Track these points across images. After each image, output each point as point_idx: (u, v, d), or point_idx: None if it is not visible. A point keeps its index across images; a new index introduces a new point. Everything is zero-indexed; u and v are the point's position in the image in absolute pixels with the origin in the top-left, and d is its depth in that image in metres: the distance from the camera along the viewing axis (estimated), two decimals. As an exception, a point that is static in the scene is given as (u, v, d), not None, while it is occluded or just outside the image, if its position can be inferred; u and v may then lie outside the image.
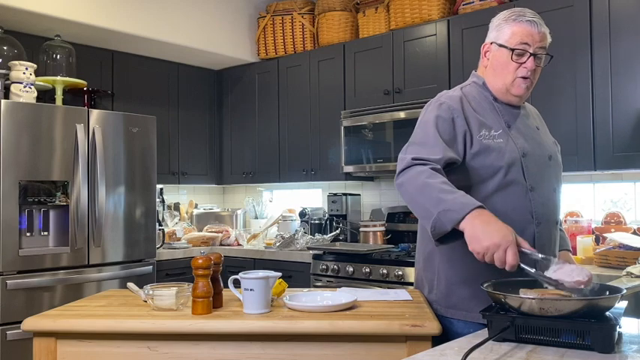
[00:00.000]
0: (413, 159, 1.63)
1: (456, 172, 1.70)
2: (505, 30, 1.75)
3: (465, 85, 1.86)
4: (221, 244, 4.19)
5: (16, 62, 3.19)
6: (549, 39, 1.77)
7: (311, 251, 3.55)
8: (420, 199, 1.57)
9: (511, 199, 1.69)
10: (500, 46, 1.75)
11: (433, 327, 1.56)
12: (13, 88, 3.15)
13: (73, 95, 3.59)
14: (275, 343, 1.63)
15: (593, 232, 2.96)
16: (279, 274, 1.77)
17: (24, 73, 3.17)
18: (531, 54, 1.71)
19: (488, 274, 1.52)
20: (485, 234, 1.42)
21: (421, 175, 1.58)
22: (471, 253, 1.47)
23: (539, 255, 1.45)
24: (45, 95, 3.43)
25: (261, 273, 1.72)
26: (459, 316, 1.71)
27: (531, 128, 1.81)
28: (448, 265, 1.74)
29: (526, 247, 1.44)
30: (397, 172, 1.68)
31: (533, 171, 1.72)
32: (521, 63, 1.72)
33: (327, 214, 4.06)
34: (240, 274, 1.72)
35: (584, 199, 3.24)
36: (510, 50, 1.72)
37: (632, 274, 2.30)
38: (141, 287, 1.94)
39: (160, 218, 4.01)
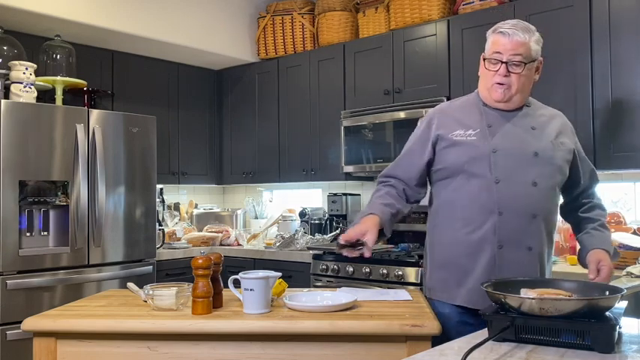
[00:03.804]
0: (379, 176, 2.07)
1: (435, 167, 1.97)
2: (488, 41, 1.95)
3: (469, 94, 2.08)
4: (221, 244, 4.19)
5: (16, 62, 3.18)
6: (533, 46, 1.89)
7: (311, 251, 3.55)
8: None
9: (473, 191, 1.88)
10: (483, 57, 1.96)
11: (433, 327, 1.56)
12: (13, 88, 3.15)
13: (73, 95, 3.59)
14: (275, 343, 1.63)
15: (593, 232, 2.95)
16: (279, 274, 1.77)
17: (24, 73, 3.17)
18: (503, 62, 1.87)
19: (465, 260, 1.86)
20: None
21: (372, 195, 2.05)
22: (448, 238, 1.92)
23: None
24: (45, 95, 3.43)
25: (261, 273, 1.72)
26: (437, 296, 1.93)
27: (521, 127, 1.93)
28: (430, 250, 2.01)
29: (367, 241, 1.84)
30: None
31: (504, 165, 1.86)
32: (496, 71, 1.89)
33: (327, 214, 4.06)
34: (240, 274, 1.72)
35: (584, 199, 3.23)
36: (485, 60, 1.93)
37: (632, 274, 2.30)
38: (141, 287, 1.94)
39: (160, 218, 4.01)
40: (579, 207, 2.04)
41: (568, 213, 2.07)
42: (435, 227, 1.99)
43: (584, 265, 1.93)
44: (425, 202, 2.09)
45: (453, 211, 1.91)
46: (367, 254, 1.84)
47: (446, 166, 1.93)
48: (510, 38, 1.87)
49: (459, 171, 1.90)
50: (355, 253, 1.85)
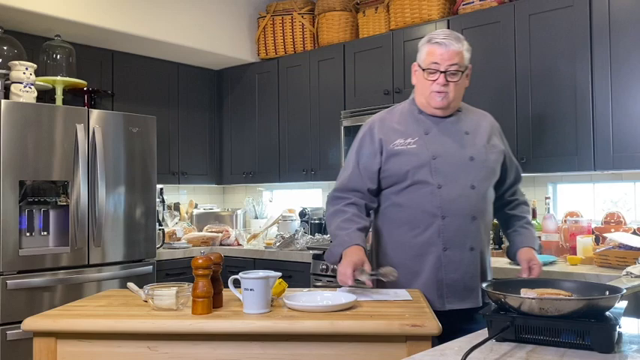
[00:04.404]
0: (334, 190, 2.11)
1: (380, 175, 2.04)
2: (422, 51, 2.03)
3: (403, 102, 2.17)
4: (221, 244, 4.19)
5: (16, 62, 3.19)
6: (466, 55, 2.01)
7: (311, 251, 3.55)
8: (329, 233, 2.10)
9: (417, 197, 1.98)
10: (419, 66, 2.04)
11: (433, 327, 1.56)
12: (13, 88, 3.15)
13: (73, 95, 3.59)
14: (275, 343, 1.63)
15: (593, 232, 2.96)
16: (279, 274, 1.77)
17: (24, 73, 3.17)
18: (442, 72, 1.96)
19: (412, 262, 1.99)
20: (344, 260, 1.94)
21: (333, 215, 2.07)
22: (395, 241, 2.03)
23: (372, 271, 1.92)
24: (45, 95, 3.43)
25: (261, 273, 1.72)
26: None
27: (456, 133, 2.04)
28: (377, 253, 2.12)
29: (367, 269, 1.90)
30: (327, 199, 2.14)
31: (444, 171, 1.97)
32: (434, 80, 1.98)
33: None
34: (240, 274, 1.72)
35: (584, 199, 3.24)
36: (423, 70, 2.01)
37: (632, 274, 2.29)
38: (141, 287, 1.94)
39: (160, 218, 4.01)
40: (506, 204, 2.20)
41: (495, 210, 2.17)
42: (382, 230, 2.09)
43: (512, 259, 2.16)
44: None
45: (399, 215, 2.02)
46: (369, 283, 1.91)
47: (390, 174, 2.02)
48: (447, 48, 1.97)
49: (402, 178, 1.99)
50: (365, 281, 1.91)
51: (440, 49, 1.97)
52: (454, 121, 2.07)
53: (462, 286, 2.00)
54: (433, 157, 1.98)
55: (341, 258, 1.97)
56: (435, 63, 1.97)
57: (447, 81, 1.97)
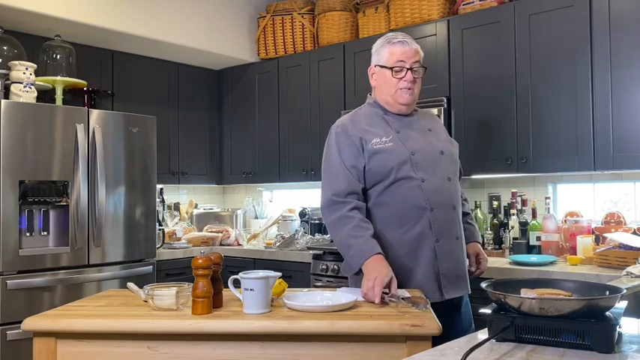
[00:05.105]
0: (333, 195, 2.02)
1: (365, 175, 2.04)
2: (383, 53, 2.11)
3: (360, 107, 2.22)
4: (221, 244, 4.19)
5: (16, 62, 3.19)
6: (422, 54, 2.12)
7: (311, 251, 3.55)
8: (337, 241, 2.02)
9: (403, 193, 2.00)
10: (382, 67, 2.11)
11: (433, 327, 1.56)
12: (13, 88, 3.15)
13: (73, 95, 3.59)
14: (275, 343, 1.63)
15: (593, 232, 2.96)
16: (279, 274, 1.77)
17: (24, 73, 3.17)
18: (408, 68, 2.06)
19: (406, 258, 1.98)
20: (370, 274, 1.84)
21: (338, 221, 1.98)
22: (384, 240, 1.97)
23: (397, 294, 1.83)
24: (45, 95, 3.43)
25: (261, 273, 1.72)
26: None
27: (422, 130, 2.13)
28: None
29: (392, 289, 1.83)
30: (320, 206, 2.08)
31: (423, 165, 2.03)
32: (401, 77, 2.06)
33: (327, 214, 4.05)
34: (240, 274, 1.72)
35: (584, 199, 3.24)
36: (390, 69, 2.08)
37: (632, 274, 2.29)
38: (141, 287, 1.94)
39: (160, 218, 4.01)
40: None
41: None
42: None
43: None
44: None
45: (385, 213, 2.03)
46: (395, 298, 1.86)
47: (374, 172, 2.03)
48: (409, 46, 2.07)
49: (386, 176, 2.01)
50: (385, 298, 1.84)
51: (403, 47, 2.07)
52: (416, 120, 2.16)
53: (455, 274, 2.05)
54: (412, 153, 2.03)
55: (360, 269, 1.91)
56: (401, 61, 2.06)
57: (414, 77, 2.06)
